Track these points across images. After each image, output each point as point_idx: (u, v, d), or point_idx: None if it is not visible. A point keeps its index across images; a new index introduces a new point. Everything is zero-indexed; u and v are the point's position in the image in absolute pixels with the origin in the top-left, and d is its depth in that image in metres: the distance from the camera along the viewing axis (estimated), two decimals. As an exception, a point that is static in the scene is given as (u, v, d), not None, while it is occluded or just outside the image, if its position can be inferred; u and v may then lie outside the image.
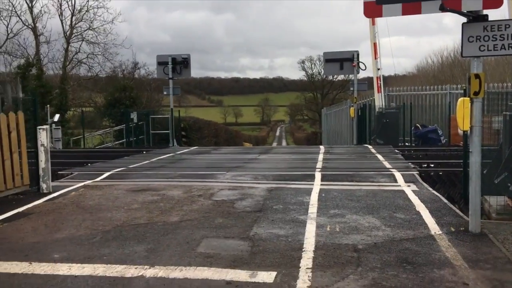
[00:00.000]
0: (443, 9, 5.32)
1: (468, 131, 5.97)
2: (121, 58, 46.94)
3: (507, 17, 6.21)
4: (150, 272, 4.80)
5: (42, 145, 8.64)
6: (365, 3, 5.77)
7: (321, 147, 19.48)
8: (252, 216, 6.87)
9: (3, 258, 5.25)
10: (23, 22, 26.35)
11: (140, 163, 13.23)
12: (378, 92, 20.72)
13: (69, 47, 27.21)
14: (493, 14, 5.76)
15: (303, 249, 5.41)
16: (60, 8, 27.31)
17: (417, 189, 8.61)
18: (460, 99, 5.87)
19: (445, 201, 7.67)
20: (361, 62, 20.94)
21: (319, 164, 12.24)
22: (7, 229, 6.47)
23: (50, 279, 4.63)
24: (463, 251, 5.29)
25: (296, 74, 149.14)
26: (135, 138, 21.76)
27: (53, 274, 4.77)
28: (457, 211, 7.04)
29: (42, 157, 8.63)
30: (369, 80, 25.31)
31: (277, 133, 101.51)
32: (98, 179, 10.25)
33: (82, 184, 9.52)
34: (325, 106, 73.53)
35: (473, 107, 5.69)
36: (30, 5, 26.46)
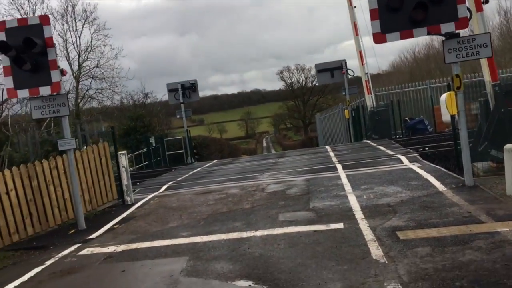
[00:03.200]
0: (428, 33, 7.78)
1: (456, 115, 8.42)
2: (127, 89, 49.52)
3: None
4: (257, 233, 7.06)
5: (123, 166, 10.81)
6: (374, 34, 8.18)
7: (326, 147, 21.91)
8: (304, 197, 9.17)
9: (149, 240, 7.47)
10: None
11: (183, 177, 15.44)
12: (368, 93, 23.29)
13: (79, 84, 29.39)
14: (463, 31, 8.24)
15: (353, 210, 7.74)
16: (67, 51, 29.43)
17: (420, 165, 11.02)
18: (448, 93, 8.30)
19: (445, 170, 10.09)
20: (349, 69, 23.61)
21: (335, 159, 14.62)
22: (129, 227, 8.65)
23: (195, 245, 6.86)
24: (464, 196, 7.68)
25: (269, 85, 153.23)
26: (154, 160, 23.87)
27: (194, 242, 7.00)
28: (455, 175, 9.44)
29: (124, 176, 10.80)
30: (352, 82, 27.74)
31: (264, 144, 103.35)
32: (161, 190, 12.43)
33: (152, 195, 11.68)
34: (307, 112, 76.74)
35: (457, 98, 8.13)
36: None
